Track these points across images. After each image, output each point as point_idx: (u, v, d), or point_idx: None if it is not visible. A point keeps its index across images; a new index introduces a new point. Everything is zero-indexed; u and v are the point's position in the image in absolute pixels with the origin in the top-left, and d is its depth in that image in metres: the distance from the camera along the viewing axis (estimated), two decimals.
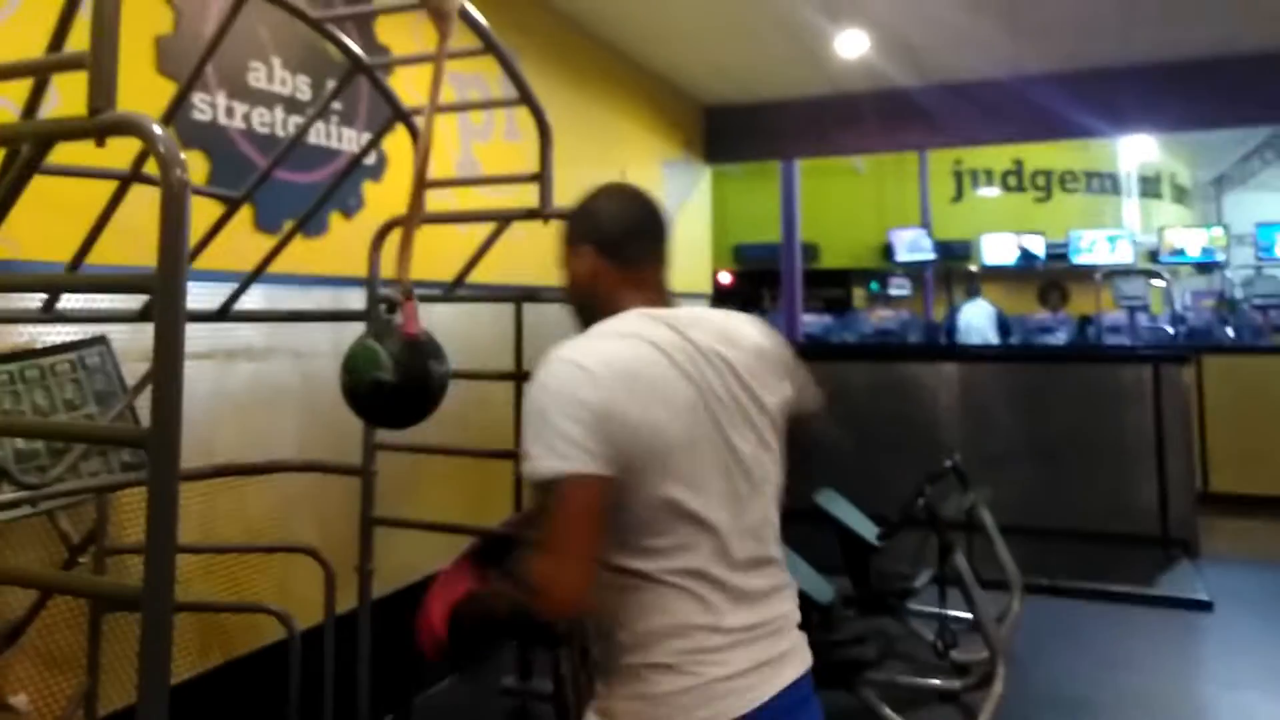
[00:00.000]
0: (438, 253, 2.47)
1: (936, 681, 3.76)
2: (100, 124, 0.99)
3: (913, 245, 12.68)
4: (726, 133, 6.09)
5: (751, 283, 15.07)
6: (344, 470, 2.26)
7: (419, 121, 2.20)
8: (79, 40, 1.05)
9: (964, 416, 6.03)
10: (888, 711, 3.30)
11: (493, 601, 1.36)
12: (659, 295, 1.44)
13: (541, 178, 2.05)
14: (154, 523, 0.97)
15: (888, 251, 13.21)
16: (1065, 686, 3.80)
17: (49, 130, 1.05)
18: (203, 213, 2.13)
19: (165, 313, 0.97)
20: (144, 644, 0.96)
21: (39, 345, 2.06)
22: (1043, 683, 3.86)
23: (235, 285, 2.20)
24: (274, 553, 2.45)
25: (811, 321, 10.18)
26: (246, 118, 2.69)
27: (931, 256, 12.50)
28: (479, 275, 2.55)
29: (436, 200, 3.37)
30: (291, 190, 2.83)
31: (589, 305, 1.44)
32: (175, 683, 2.51)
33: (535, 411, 1.26)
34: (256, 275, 2.05)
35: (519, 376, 3.03)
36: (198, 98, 2.55)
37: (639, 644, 1.29)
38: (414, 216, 1.65)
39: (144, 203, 1.74)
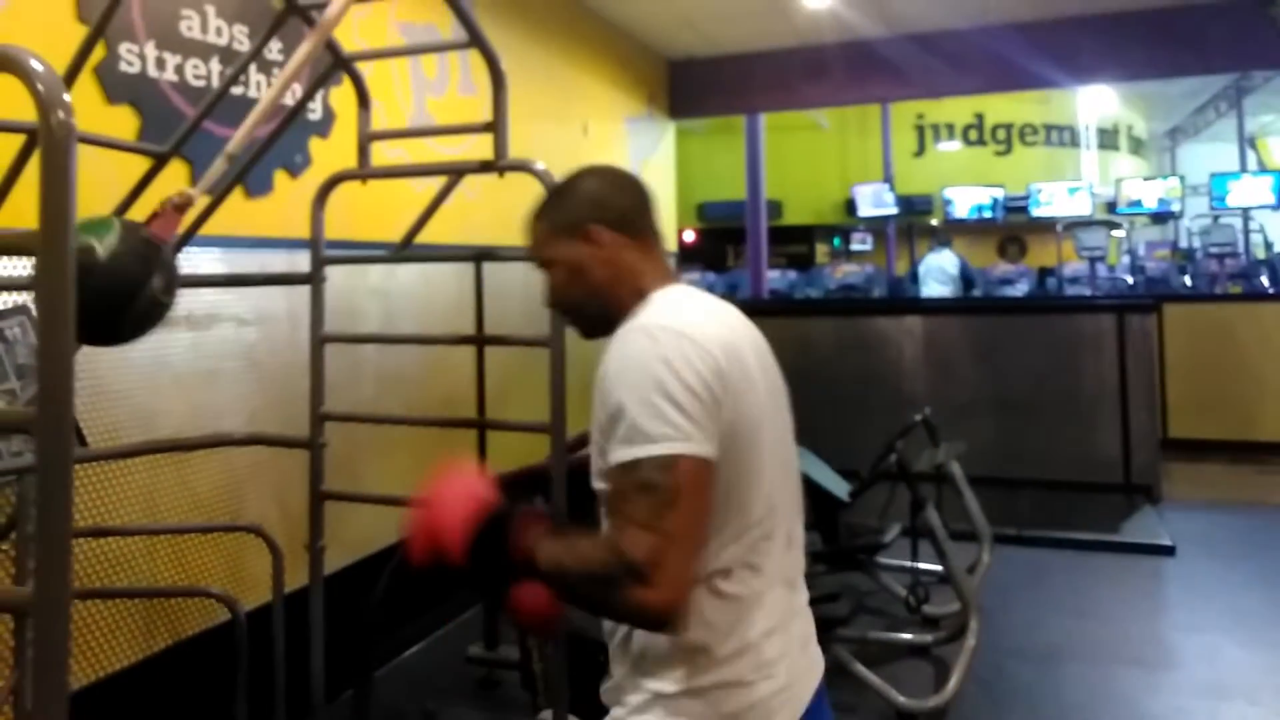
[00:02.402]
0: (390, 212, 2.35)
1: (908, 636, 3.75)
2: None
3: (875, 200, 12.64)
4: (691, 87, 5.95)
5: (715, 241, 15.00)
6: (290, 443, 2.15)
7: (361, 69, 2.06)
8: None
9: (930, 369, 6.02)
10: (859, 668, 3.28)
11: (568, 555, 1.13)
12: (668, 269, 1.35)
13: (495, 127, 1.93)
14: (45, 519, 0.86)
15: (850, 207, 13.18)
16: (1033, 636, 3.82)
17: None
18: (133, 171, 2.00)
19: (50, 278, 0.86)
20: (37, 657, 0.86)
21: None
22: (1011, 633, 3.87)
23: None
24: (218, 532, 2.33)
25: (775, 278, 10.12)
26: (179, 70, 2.53)
27: (894, 211, 12.49)
28: (434, 235, 2.43)
29: (388, 156, 3.23)
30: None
31: (605, 289, 1.30)
32: (118, 669, 2.41)
33: (649, 382, 1.12)
34: (189, 238, 1.92)
35: (481, 340, 2.93)
36: (124, 48, 2.38)
37: (704, 654, 1.18)
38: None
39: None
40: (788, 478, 1.31)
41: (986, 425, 5.63)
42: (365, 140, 2.13)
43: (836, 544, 4.30)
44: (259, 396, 2.79)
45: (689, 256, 13.61)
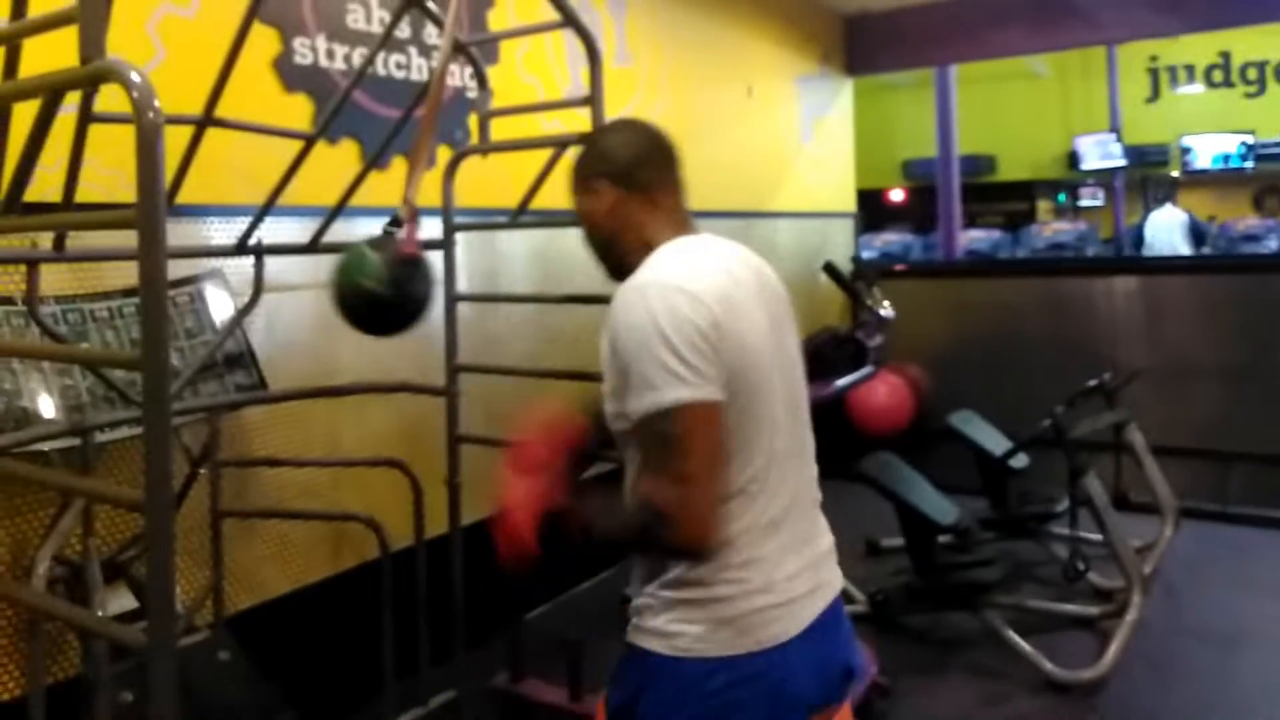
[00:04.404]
0: (515, 180, 2.52)
1: (1072, 607, 3.60)
2: (90, 72, 1.09)
3: (1101, 151, 11.73)
4: (868, 42, 5.78)
5: (923, 199, 14.41)
6: (429, 390, 2.39)
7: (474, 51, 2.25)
8: None
9: (1139, 332, 5.59)
10: (1009, 634, 3.21)
11: (612, 522, 1.35)
12: (683, 220, 1.44)
13: (592, 101, 2.07)
14: (150, 434, 1.09)
15: (1073, 159, 12.29)
16: (1219, 617, 3.56)
17: (54, 81, 1.17)
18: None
19: (146, 246, 1.06)
20: (147, 539, 1.10)
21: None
22: (1194, 612, 3.63)
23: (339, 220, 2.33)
24: (360, 466, 2.62)
25: (979, 238, 9.64)
26: (347, 59, 2.83)
27: (1122, 163, 11.53)
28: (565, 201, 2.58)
29: (545, 128, 3.46)
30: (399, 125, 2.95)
31: (613, 241, 1.45)
32: (300, 586, 2.78)
33: (646, 340, 1.23)
34: (339, 211, 2.20)
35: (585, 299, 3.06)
36: (298, 42, 2.70)
37: (705, 571, 1.31)
38: (425, 139, 1.72)
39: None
40: (795, 411, 1.41)
41: (1203, 393, 5.19)
42: (484, 118, 2.32)
43: (1005, 510, 4.18)
44: (426, 348, 3.05)
45: (895, 216, 13.18)
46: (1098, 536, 3.76)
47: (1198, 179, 11.51)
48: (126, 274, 2.20)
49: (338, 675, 2.78)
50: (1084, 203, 15.07)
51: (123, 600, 2.20)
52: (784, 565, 1.35)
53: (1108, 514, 3.36)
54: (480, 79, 2.38)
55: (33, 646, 1.79)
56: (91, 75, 1.10)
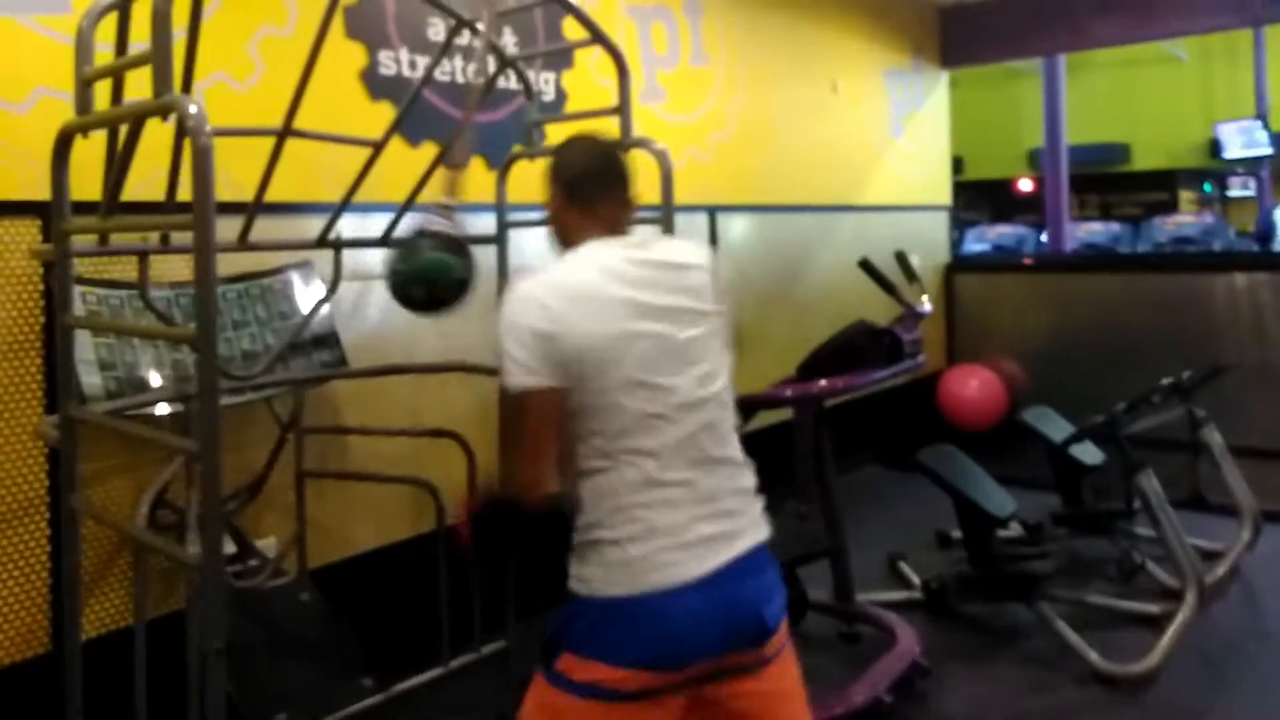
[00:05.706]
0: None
1: (1132, 604, 3.58)
2: (159, 105, 1.37)
3: (1246, 139, 11.13)
4: (965, 33, 5.72)
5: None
6: (483, 370, 2.63)
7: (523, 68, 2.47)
8: None
9: (1252, 332, 5.38)
10: (1059, 624, 3.25)
11: (495, 504, 1.68)
12: (612, 227, 1.66)
13: (621, 110, 2.27)
14: (203, 397, 1.36)
15: (1215, 148, 11.69)
16: None
17: (135, 110, 1.46)
18: (393, 156, 2.52)
19: (199, 242, 1.33)
20: (201, 485, 1.37)
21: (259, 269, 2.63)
22: (1268, 616, 3.56)
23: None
24: (422, 436, 2.86)
25: (1097, 230, 9.32)
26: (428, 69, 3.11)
27: (1268, 150, 10.91)
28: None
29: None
30: (476, 129, 3.21)
31: (557, 237, 1.72)
32: (376, 546, 3.06)
33: (500, 337, 1.53)
34: (407, 207, 2.46)
35: None
36: (383, 55, 3.00)
37: (598, 523, 1.54)
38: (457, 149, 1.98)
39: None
40: (664, 387, 1.54)
41: None
42: (531, 124, 2.55)
43: (1078, 507, 4.16)
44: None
45: (1023, 207, 12.79)
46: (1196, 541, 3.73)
47: None
48: (230, 263, 2.53)
49: (401, 629, 3.07)
50: (1233, 193, 14.32)
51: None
52: (672, 515, 1.51)
53: (1163, 511, 3.35)
54: (527, 89, 2.62)
55: (137, 575, 2.13)
56: (160, 107, 1.38)
